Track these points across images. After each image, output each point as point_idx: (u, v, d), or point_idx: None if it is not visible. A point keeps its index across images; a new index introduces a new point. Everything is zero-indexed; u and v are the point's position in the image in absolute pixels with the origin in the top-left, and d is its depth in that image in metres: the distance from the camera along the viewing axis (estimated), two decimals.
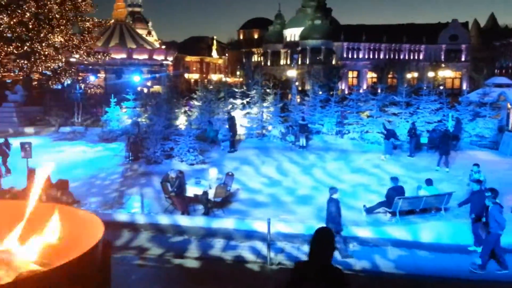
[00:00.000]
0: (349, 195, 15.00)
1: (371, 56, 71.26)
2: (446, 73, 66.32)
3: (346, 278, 3.94)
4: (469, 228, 11.24)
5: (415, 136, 20.77)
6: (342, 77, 63.88)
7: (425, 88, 24.23)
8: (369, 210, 13.31)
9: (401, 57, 71.41)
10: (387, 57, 70.49)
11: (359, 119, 23.98)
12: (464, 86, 64.67)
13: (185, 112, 26.30)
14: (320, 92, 26.80)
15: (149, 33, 75.68)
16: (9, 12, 29.36)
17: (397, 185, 13.22)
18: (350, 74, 71.07)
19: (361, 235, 11.73)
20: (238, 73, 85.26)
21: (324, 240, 3.91)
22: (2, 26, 29.25)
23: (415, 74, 59.51)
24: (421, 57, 72.04)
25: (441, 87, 32.17)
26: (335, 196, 10.63)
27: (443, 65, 67.34)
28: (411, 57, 71.88)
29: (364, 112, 24.61)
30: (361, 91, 29.27)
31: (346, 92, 46.68)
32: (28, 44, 30.26)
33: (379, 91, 24.96)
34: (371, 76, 70.02)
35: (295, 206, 14.24)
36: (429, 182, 13.80)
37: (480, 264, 9.77)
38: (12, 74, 32.02)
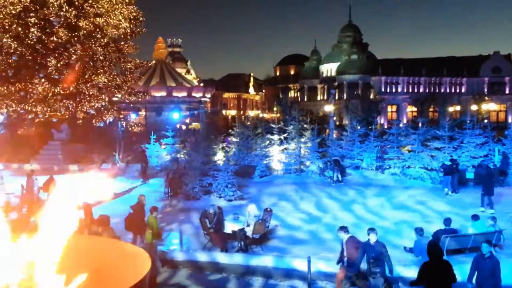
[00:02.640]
0: (392, 232, 14.46)
1: (410, 90, 70.43)
2: (490, 106, 64.60)
3: (451, 267, 7.42)
4: None
5: (457, 171, 20.03)
6: (381, 111, 63.19)
7: (468, 121, 23.52)
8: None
9: (442, 90, 70.23)
10: (427, 90, 69.47)
11: (400, 154, 23.44)
12: (510, 119, 62.70)
13: (223, 148, 26.49)
14: (359, 127, 26.49)
15: (188, 71, 77.86)
16: (56, 55, 30.88)
17: (449, 227, 12.64)
18: (389, 108, 70.29)
19: (406, 275, 11.15)
20: (275, 109, 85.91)
21: (435, 248, 7.60)
22: (50, 68, 30.72)
23: (457, 108, 58.29)
24: (463, 90, 70.68)
25: (485, 121, 31.22)
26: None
27: (486, 98, 65.68)
28: (452, 90, 70.59)
29: (405, 146, 24.05)
30: (401, 125, 28.77)
31: (386, 126, 46.02)
32: (74, 84, 31.59)
33: (420, 125, 24.45)
34: (411, 110, 68.99)
35: (336, 243, 13.75)
36: (475, 217, 13.12)
37: None
38: (58, 113, 33.38)
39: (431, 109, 61.62)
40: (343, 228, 10.03)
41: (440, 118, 26.74)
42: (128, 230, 12.87)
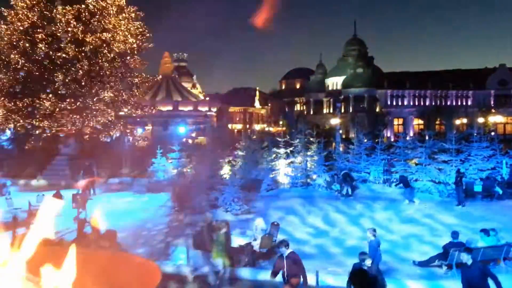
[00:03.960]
0: (400, 246, 14.33)
1: (416, 103, 70.41)
2: (497, 119, 64.38)
3: None
4: None
5: (461, 184, 19.89)
6: (387, 125, 63.11)
7: (475, 134, 23.42)
8: (424, 263, 12.61)
9: (448, 103, 70.22)
10: (433, 103, 69.44)
11: (407, 167, 23.31)
12: None
13: (229, 162, 26.47)
14: (365, 140, 26.42)
15: (193, 85, 78.27)
16: (64, 70, 31.15)
17: (457, 240, 12.52)
18: (396, 121, 70.23)
19: None
20: (281, 122, 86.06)
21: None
22: (57, 84, 30.97)
23: (464, 120, 58.12)
24: (469, 103, 70.59)
25: (493, 133, 31.08)
26: None
27: (493, 111, 65.49)
28: (459, 103, 70.46)
29: (412, 159, 23.94)
30: (407, 138, 28.68)
31: (392, 139, 45.90)
32: (81, 99, 31.79)
33: (426, 138, 24.37)
34: (417, 123, 68.89)
35: (344, 257, 13.67)
36: (486, 232, 12.96)
37: None
38: (65, 128, 33.54)
39: (437, 122, 61.49)
40: (284, 243, 9.79)
41: (446, 131, 26.60)
42: (197, 249, 12.82)
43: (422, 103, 70.28)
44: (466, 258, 8.69)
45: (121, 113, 36.41)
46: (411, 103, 70.41)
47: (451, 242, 12.55)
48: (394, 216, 18.34)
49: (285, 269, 9.27)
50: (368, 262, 9.06)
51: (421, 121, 67.08)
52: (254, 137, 31.19)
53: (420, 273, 12.17)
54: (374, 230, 11.68)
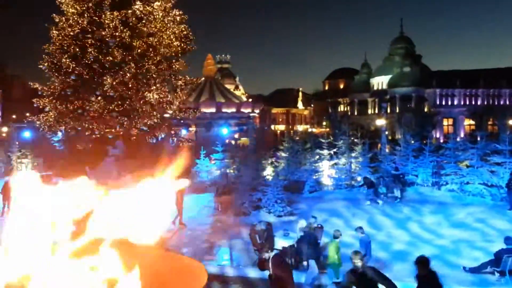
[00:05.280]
0: (450, 252, 13.78)
1: (467, 102, 67.87)
2: None
3: None
4: None
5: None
6: (436, 125, 61.13)
7: None
8: (475, 270, 12.06)
9: (501, 102, 67.30)
10: (485, 103, 66.70)
11: (457, 169, 22.42)
12: None
13: (272, 163, 26.38)
14: (413, 141, 25.62)
15: (236, 87, 78.71)
16: (112, 73, 32.03)
17: (511, 246, 11.90)
18: (445, 122, 67.92)
19: None
20: (324, 123, 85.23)
21: None
22: (106, 87, 31.88)
23: None
24: None
25: None
26: None
27: None
28: None
29: (463, 161, 23.01)
30: (458, 139, 27.61)
31: (442, 140, 44.44)
32: (128, 102, 32.57)
33: (478, 139, 23.35)
34: (468, 123, 66.40)
35: (391, 262, 13.29)
36: None
37: None
38: (113, 130, 34.46)
39: (490, 122, 59.00)
40: (266, 248, 9.84)
41: (500, 132, 25.34)
42: (295, 259, 12.81)
43: (473, 103, 67.70)
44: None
45: (166, 115, 37.05)
46: (462, 103, 67.93)
47: (504, 249, 11.96)
48: (443, 220, 17.69)
49: (270, 271, 9.25)
50: (358, 262, 8.61)
51: (472, 121, 64.63)
52: (297, 138, 30.95)
53: (472, 280, 11.68)
54: (361, 228, 12.57)
